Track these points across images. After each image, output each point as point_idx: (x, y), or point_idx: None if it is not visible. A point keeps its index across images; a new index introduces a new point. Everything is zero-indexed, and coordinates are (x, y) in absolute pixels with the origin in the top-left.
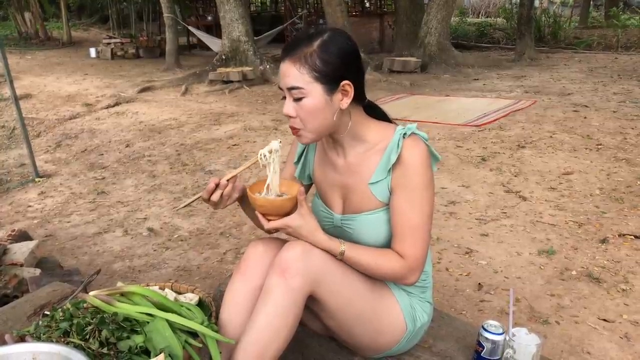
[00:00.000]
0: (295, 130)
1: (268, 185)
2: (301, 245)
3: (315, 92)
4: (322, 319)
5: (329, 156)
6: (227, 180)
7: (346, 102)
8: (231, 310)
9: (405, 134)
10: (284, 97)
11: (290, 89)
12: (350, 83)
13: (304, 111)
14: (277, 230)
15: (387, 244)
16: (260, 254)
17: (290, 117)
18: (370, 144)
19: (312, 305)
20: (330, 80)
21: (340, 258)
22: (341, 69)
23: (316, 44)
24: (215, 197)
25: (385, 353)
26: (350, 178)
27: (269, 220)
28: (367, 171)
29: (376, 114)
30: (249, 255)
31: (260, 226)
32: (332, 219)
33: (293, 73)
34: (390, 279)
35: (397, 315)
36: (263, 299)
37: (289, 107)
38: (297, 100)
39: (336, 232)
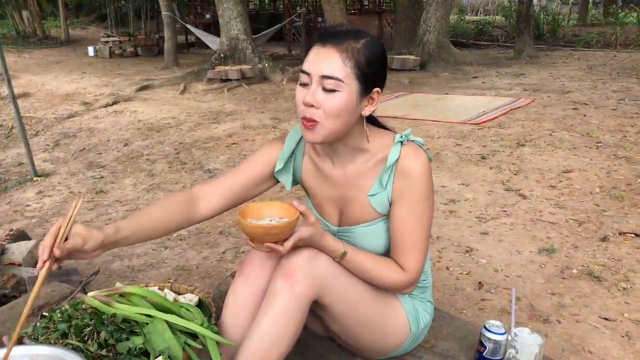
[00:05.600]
0: (311, 123)
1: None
2: (307, 250)
3: (351, 89)
4: (326, 323)
5: (320, 168)
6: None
7: (369, 109)
8: (234, 312)
9: (402, 141)
10: (304, 84)
11: (326, 77)
12: (380, 91)
13: (332, 105)
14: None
15: (386, 254)
16: (264, 257)
17: (311, 106)
18: (371, 154)
19: (315, 309)
20: (367, 82)
21: (339, 260)
22: (379, 74)
23: (362, 41)
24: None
25: (390, 355)
26: (349, 190)
27: (281, 244)
28: (368, 183)
29: (374, 121)
30: (252, 258)
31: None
32: (328, 230)
33: (336, 62)
34: (387, 289)
35: (402, 318)
36: (267, 303)
37: (315, 96)
38: (328, 91)
39: None
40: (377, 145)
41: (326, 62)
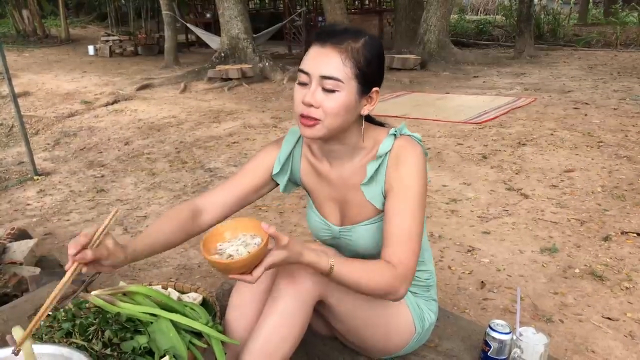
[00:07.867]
0: (312, 121)
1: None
2: None
3: (350, 89)
4: (331, 322)
5: (318, 169)
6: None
7: (368, 109)
8: (238, 312)
9: (395, 135)
10: (303, 83)
11: (326, 77)
12: (378, 90)
13: (332, 105)
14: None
15: None
16: None
17: (310, 106)
18: (366, 151)
19: (319, 308)
20: (366, 82)
21: (328, 276)
22: (377, 74)
23: (362, 41)
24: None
25: (395, 354)
26: (347, 190)
27: (250, 273)
28: (362, 179)
29: (372, 120)
30: None
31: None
32: (330, 230)
33: (335, 62)
34: (380, 293)
35: (406, 318)
36: (271, 304)
37: (314, 95)
38: (328, 91)
39: (335, 243)
40: (372, 141)
41: (326, 62)
